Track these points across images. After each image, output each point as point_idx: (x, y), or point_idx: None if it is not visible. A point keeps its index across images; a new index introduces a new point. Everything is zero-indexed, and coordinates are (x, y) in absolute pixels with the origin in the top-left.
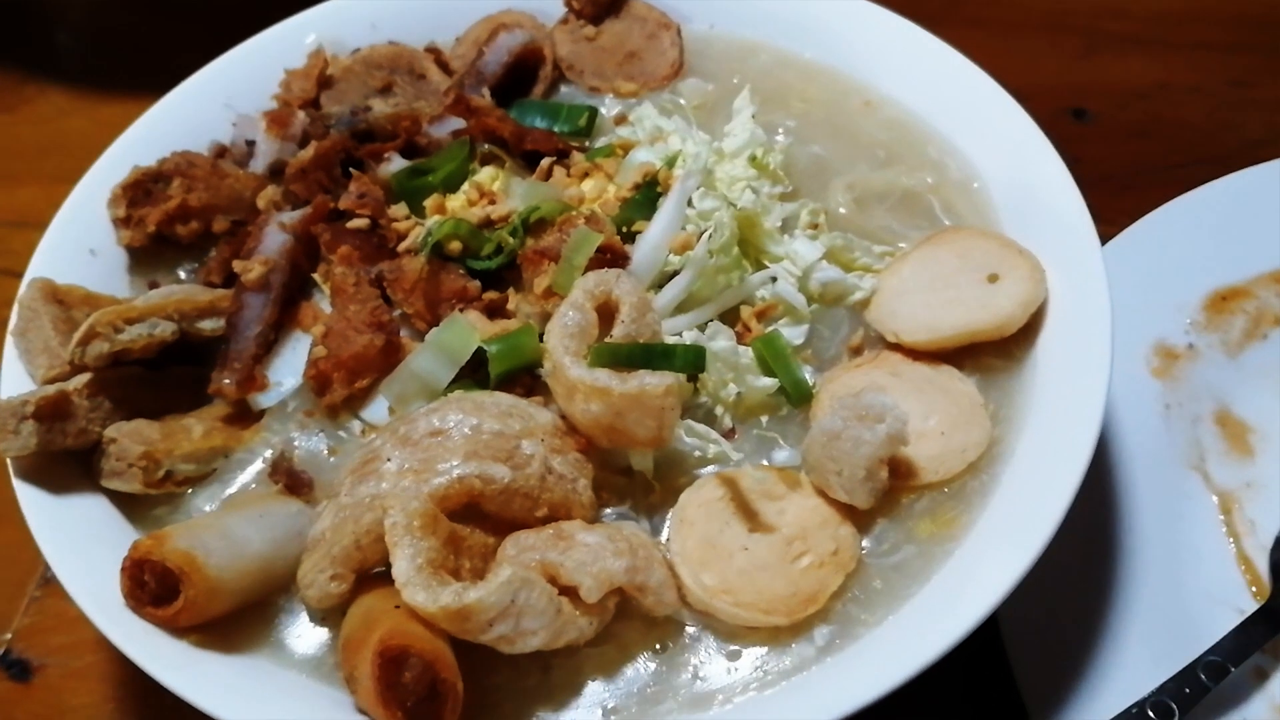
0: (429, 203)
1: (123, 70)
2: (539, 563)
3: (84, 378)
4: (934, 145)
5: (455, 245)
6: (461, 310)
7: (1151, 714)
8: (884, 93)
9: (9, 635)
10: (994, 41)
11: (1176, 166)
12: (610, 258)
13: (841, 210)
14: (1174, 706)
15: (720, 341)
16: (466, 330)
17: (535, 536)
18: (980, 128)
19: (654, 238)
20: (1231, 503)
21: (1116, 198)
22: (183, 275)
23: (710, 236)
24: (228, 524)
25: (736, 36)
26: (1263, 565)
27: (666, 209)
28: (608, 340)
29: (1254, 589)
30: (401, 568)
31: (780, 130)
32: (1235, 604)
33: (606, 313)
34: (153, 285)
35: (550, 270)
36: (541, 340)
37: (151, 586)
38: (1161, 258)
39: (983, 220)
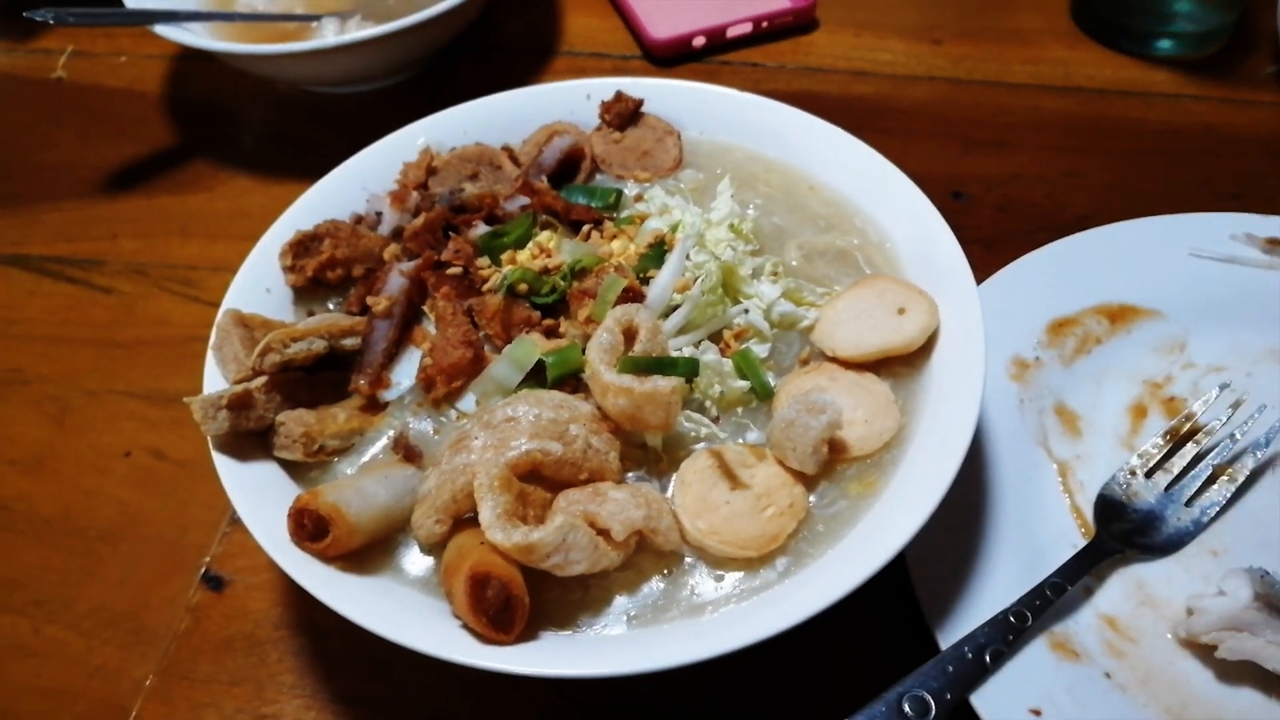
0: (505, 256)
1: (289, 161)
2: (582, 512)
3: (261, 380)
4: (859, 216)
5: (523, 286)
6: (527, 333)
7: (1012, 620)
8: (823, 180)
9: (208, 559)
10: (898, 143)
11: (1027, 232)
12: (631, 296)
13: (794, 262)
14: (1028, 614)
15: (709, 355)
16: (531, 347)
17: (579, 493)
18: (891, 203)
19: (663, 282)
20: (1066, 470)
21: (987, 253)
22: (331, 306)
23: (702, 281)
24: (362, 483)
25: (719, 140)
26: (1089, 514)
27: (672, 262)
28: (630, 355)
29: (1083, 530)
30: (485, 515)
31: (751, 205)
32: (1070, 541)
33: (629, 335)
34: (310, 314)
35: (589, 305)
36: (583, 354)
37: (309, 528)
38: (1017, 296)
39: (893, 270)
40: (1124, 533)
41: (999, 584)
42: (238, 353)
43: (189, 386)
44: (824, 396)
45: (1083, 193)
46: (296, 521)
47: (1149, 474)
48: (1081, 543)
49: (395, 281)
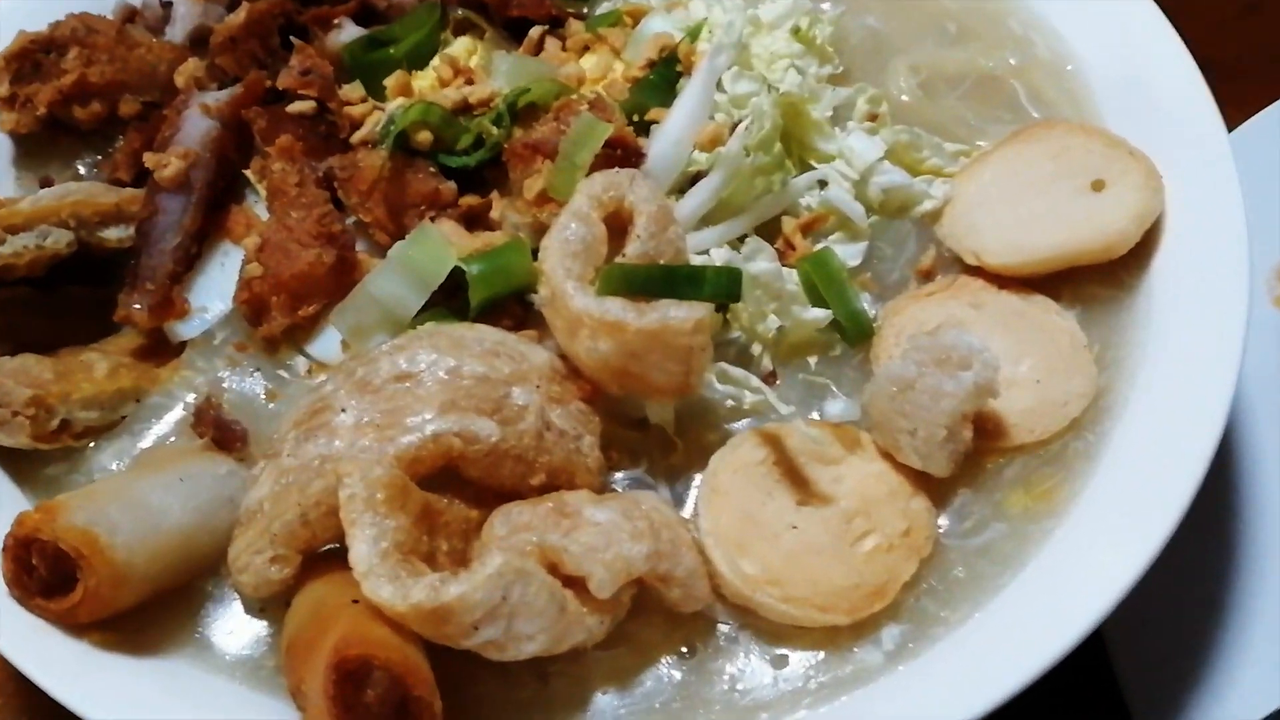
0: (390, 82)
1: None
2: (536, 546)
3: None
4: (1017, 18)
5: (424, 136)
6: (433, 219)
7: None
8: None
9: None
10: None
11: None
12: (620, 155)
13: (904, 98)
14: None
15: (760, 263)
16: (440, 246)
17: (531, 512)
18: None
19: (675, 130)
20: None
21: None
22: (82, 170)
23: (748, 129)
24: (139, 490)
25: None
26: None
27: (690, 93)
28: (619, 260)
29: None
30: (361, 553)
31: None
32: None
33: (618, 225)
34: (44, 182)
35: (545, 169)
36: (535, 259)
37: (41, 572)
38: None
39: (1079, 113)
40: None
41: (1255, 671)
42: None
43: None
44: (967, 338)
45: None
46: (19, 561)
47: None
48: None
49: (195, 126)
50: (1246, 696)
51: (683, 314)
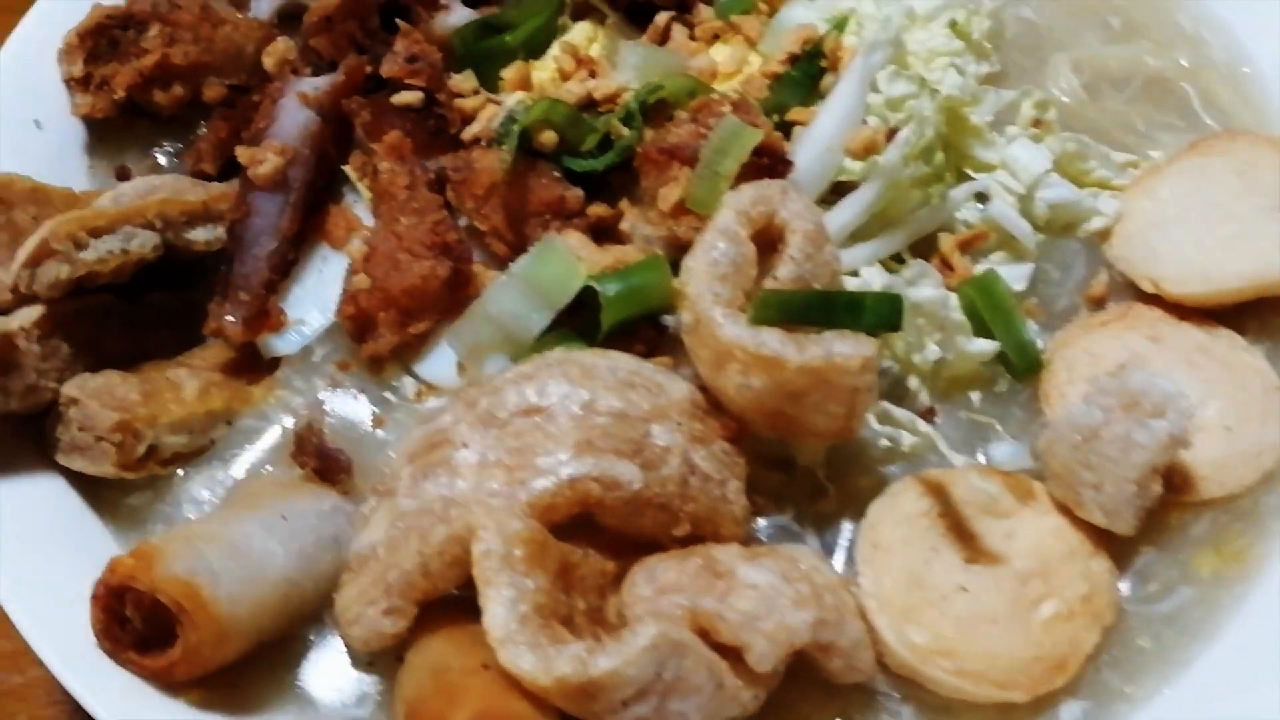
0: (508, 73)
1: None
2: (688, 611)
3: (34, 312)
4: (1187, 13)
5: (549, 137)
6: (558, 230)
7: None
8: None
9: None
10: None
11: None
12: (767, 163)
13: (1065, 99)
14: None
15: (925, 289)
16: (567, 262)
17: (678, 569)
18: None
19: (825, 135)
20: None
21: None
22: (161, 160)
23: (906, 137)
24: (240, 532)
25: None
26: None
27: (842, 94)
28: (770, 284)
29: None
30: (499, 617)
31: None
32: None
33: (765, 243)
34: (121, 173)
35: (683, 177)
36: (674, 278)
37: (135, 625)
38: None
39: (1260, 120)
40: None
41: None
42: None
43: None
44: (1161, 382)
45: None
46: (111, 611)
47: None
48: None
49: (293, 118)
50: None
51: (849, 350)
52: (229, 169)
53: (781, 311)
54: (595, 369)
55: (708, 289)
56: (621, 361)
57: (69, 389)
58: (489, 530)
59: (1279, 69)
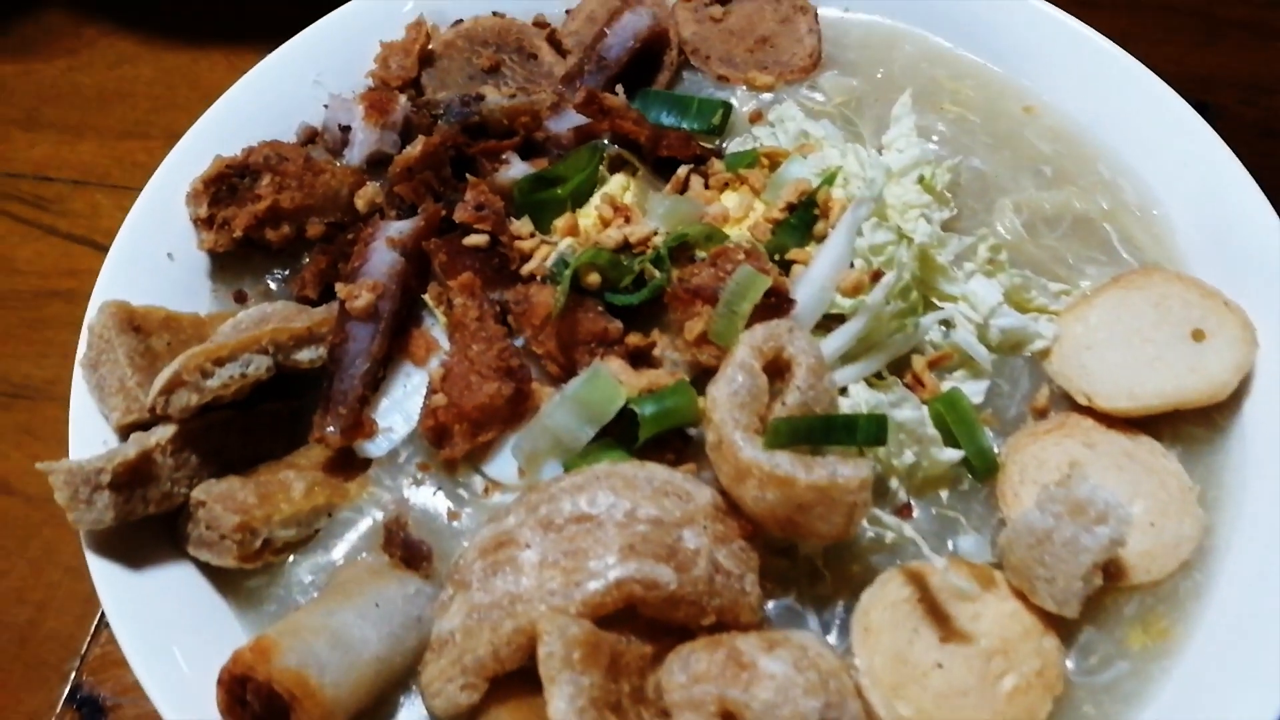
0: (560, 222)
1: (196, 5)
2: (717, 699)
3: (168, 431)
4: (1105, 162)
5: (594, 278)
6: (602, 357)
7: None
8: (1045, 97)
9: (77, 664)
10: (1107, 20)
11: None
12: (774, 301)
13: (1009, 238)
14: None
15: (905, 410)
16: (611, 387)
17: (708, 660)
18: (1156, 143)
19: (820, 276)
20: None
21: None
22: (272, 286)
23: (890, 280)
24: (341, 622)
25: (875, 22)
26: None
27: (834, 243)
28: (780, 412)
29: None
30: (560, 710)
31: (934, 137)
32: None
33: (774, 370)
34: (238, 297)
35: (705, 313)
36: (699, 396)
37: (254, 708)
38: None
39: (1167, 254)
40: None
41: None
42: (125, 379)
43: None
44: (1104, 493)
45: None
46: (234, 695)
47: None
48: None
49: (382, 259)
50: None
51: (849, 472)
52: (328, 293)
53: (791, 437)
54: (635, 480)
55: (729, 415)
56: (657, 472)
57: (198, 494)
58: (551, 635)
59: (1182, 210)
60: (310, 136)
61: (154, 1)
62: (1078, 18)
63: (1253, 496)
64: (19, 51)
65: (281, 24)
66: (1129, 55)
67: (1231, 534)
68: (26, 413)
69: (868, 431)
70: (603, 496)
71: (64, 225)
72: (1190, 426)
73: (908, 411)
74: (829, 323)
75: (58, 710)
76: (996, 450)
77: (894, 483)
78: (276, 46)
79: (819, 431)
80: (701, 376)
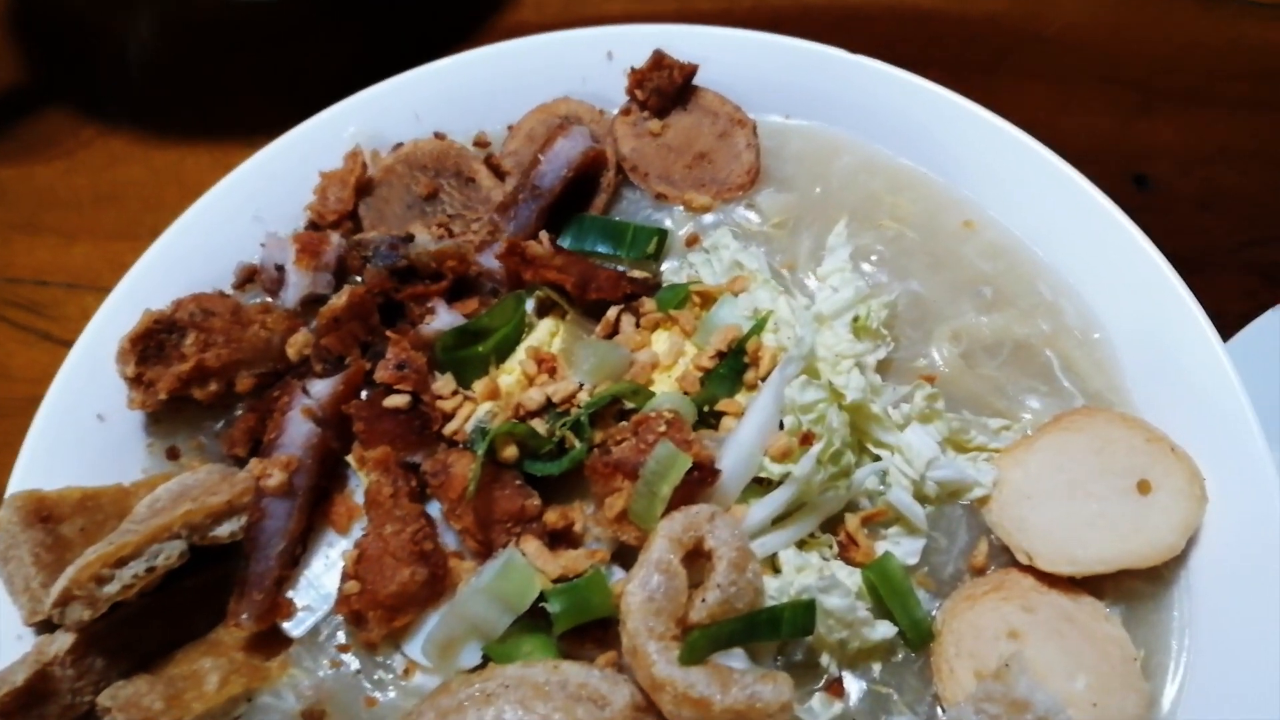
0: (479, 386)
1: (183, 103)
2: None
3: (67, 640)
4: (1046, 282)
5: (511, 452)
6: (518, 541)
7: None
8: (986, 209)
9: None
10: (1044, 92)
11: (1243, 245)
12: (698, 475)
13: (944, 369)
14: None
15: (834, 599)
16: (526, 577)
17: None
18: (1098, 262)
19: (747, 441)
20: None
21: (1188, 277)
22: (204, 441)
23: (820, 445)
24: None
25: (815, 129)
26: None
27: (761, 405)
28: (700, 608)
29: None
30: None
31: (873, 257)
32: None
33: (693, 560)
34: (170, 453)
35: (626, 489)
36: (613, 592)
37: None
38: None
39: (1109, 383)
40: None
41: None
42: (29, 579)
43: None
44: (1041, 694)
45: None
46: None
47: None
48: None
49: (298, 430)
50: None
51: (769, 695)
52: (258, 448)
53: (710, 647)
54: (545, 688)
55: (643, 624)
56: (571, 674)
57: (103, 699)
58: None
59: (1124, 335)
60: (249, 275)
61: (146, 99)
62: (1014, 90)
63: (1197, 666)
64: (19, 155)
65: (269, 120)
66: (1070, 166)
67: (1177, 709)
68: None
69: (793, 622)
70: (509, 711)
71: (57, 331)
72: (1135, 582)
73: (836, 600)
74: (758, 485)
75: None
76: (932, 615)
77: (825, 658)
78: (262, 143)
79: (740, 633)
80: (626, 550)
